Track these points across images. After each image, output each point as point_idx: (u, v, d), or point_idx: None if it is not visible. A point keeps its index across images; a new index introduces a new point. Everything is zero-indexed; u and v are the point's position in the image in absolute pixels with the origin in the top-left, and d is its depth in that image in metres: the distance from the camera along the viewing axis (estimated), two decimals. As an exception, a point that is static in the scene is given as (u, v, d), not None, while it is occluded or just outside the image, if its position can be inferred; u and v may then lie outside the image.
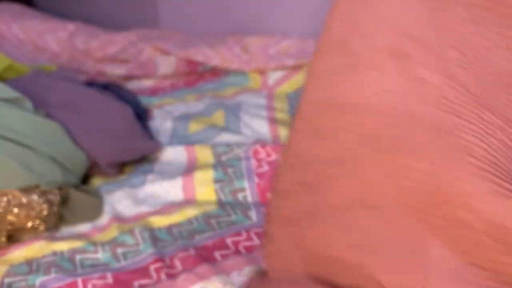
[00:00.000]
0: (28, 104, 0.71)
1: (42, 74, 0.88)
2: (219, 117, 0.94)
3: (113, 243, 0.65)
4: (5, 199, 0.61)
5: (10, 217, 0.61)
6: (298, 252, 0.40)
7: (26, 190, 0.63)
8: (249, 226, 0.69)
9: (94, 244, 0.65)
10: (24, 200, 0.62)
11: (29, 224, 0.64)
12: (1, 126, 0.64)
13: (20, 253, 0.64)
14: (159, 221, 0.69)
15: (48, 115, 0.74)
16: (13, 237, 0.66)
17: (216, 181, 0.75)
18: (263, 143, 0.80)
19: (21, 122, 0.67)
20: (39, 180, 0.64)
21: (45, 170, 0.65)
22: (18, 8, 1.27)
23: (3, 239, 0.63)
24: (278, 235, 0.42)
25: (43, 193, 0.64)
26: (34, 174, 0.63)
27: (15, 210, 0.61)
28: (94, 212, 0.71)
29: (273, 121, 0.91)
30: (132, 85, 1.08)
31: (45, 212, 0.63)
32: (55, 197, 0.66)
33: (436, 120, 0.33)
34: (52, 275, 0.60)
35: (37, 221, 0.64)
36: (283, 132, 0.88)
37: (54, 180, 0.66)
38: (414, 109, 0.34)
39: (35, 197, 0.63)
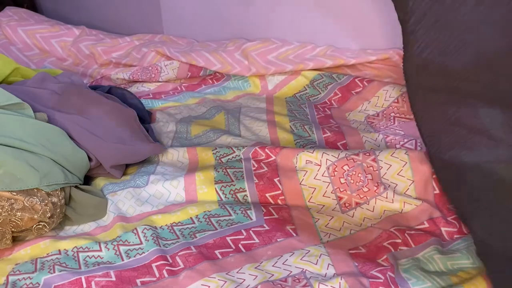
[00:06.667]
0: (28, 108, 0.72)
1: (48, 78, 0.89)
2: (220, 120, 0.95)
3: (117, 241, 0.67)
4: (8, 203, 0.61)
5: (14, 221, 0.62)
6: None
7: (29, 194, 0.63)
8: (248, 225, 0.70)
9: (98, 242, 0.66)
10: (27, 203, 0.62)
11: (33, 226, 0.65)
12: (2, 134, 0.65)
13: (25, 251, 0.65)
14: (162, 220, 0.71)
15: (53, 118, 0.76)
16: (18, 238, 0.67)
17: (217, 181, 0.76)
18: (262, 145, 0.82)
19: (21, 128, 0.68)
20: (42, 183, 0.65)
21: (47, 173, 0.66)
22: (24, 13, 1.28)
23: (8, 241, 0.64)
24: None
25: (46, 196, 0.65)
26: (38, 176, 0.64)
27: (19, 214, 0.62)
28: (98, 211, 0.72)
29: (272, 124, 0.92)
30: (136, 89, 1.09)
31: (48, 214, 0.64)
32: (58, 199, 0.67)
33: None
34: (57, 273, 0.61)
35: (41, 223, 0.65)
36: (282, 135, 0.90)
37: (57, 182, 0.67)
38: None
39: (37, 200, 0.63)
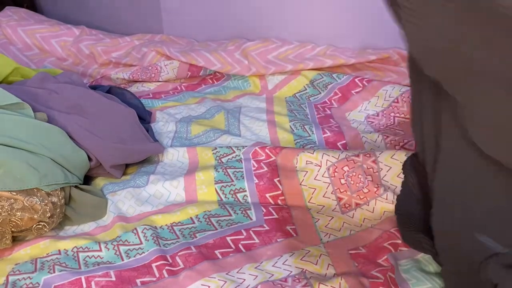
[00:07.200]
0: (28, 108, 0.72)
1: (48, 78, 0.89)
2: (220, 120, 0.95)
3: (116, 241, 0.67)
4: (8, 203, 0.61)
5: (14, 220, 0.62)
6: None
7: (29, 193, 0.63)
8: (248, 225, 0.70)
9: (98, 242, 0.66)
10: (26, 203, 0.62)
11: (33, 226, 0.65)
12: (2, 134, 0.65)
13: (25, 251, 0.65)
14: (162, 220, 0.71)
15: (53, 118, 0.76)
16: (18, 238, 0.67)
17: (217, 181, 0.76)
18: (262, 145, 0.82)
19: (21, 128, 0.68)
20: (42, 183, 0.65)
21: (47, 173, 0.66)
22: (23, 12, 1.28)
23: (8, 241, 0.64)
24: None
25: (46, 195, 0.65)
26: (37, 176, 0.64)
27: (18, 213, 0.62)
28: (98, 211, 0.72)
29: (272, 124, 0.92)
30: (136, 89, 1.09)
31: (48, 214, 0.64)
32: (58, 199, 0.67)
33: None
34: (57, 273, 0.61)
35: (41, 223, 0.65)
36: (282, 135, 0.90)
37: (57, 182, 0.67)
38: None
39: (37, 200, 0.63)
